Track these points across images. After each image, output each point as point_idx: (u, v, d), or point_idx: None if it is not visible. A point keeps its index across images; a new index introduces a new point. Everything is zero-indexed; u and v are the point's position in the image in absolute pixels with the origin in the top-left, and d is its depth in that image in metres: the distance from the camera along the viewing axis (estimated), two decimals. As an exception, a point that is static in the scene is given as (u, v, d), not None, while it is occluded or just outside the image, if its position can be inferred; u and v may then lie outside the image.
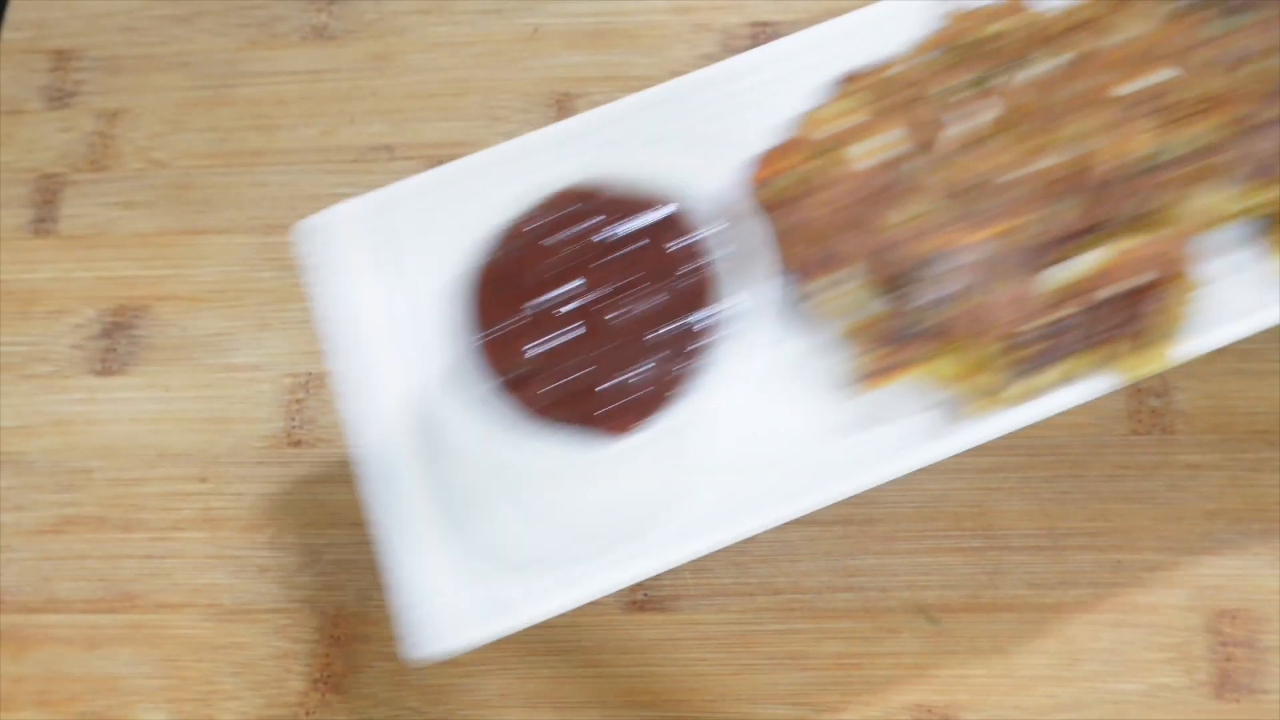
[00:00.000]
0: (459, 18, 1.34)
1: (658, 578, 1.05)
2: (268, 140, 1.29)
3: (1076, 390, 0.91)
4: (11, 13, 1.37)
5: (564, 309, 0.88)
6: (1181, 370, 1.14)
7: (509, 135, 1.28)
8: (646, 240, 0.89)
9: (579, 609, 1.01)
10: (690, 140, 1.01)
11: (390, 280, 0.98)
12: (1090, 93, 0.94)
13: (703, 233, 0.90)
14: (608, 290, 0.88)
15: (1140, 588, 1.08)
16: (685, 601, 1.10)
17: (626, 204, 0.91)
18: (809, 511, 0.90)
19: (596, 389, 0.86)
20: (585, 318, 0.88)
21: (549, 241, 0.90)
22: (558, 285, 0.88)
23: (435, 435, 0.94)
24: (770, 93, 1.01)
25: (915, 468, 0.90)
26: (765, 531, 1.03)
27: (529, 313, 0.88)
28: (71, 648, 1.12)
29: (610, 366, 0.86)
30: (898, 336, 0.90)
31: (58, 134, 1.30)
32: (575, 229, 0.90)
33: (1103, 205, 0.91)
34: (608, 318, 0.87)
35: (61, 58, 1.34)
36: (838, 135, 0.96)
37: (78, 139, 1.30)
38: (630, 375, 0.86)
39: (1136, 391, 1.14)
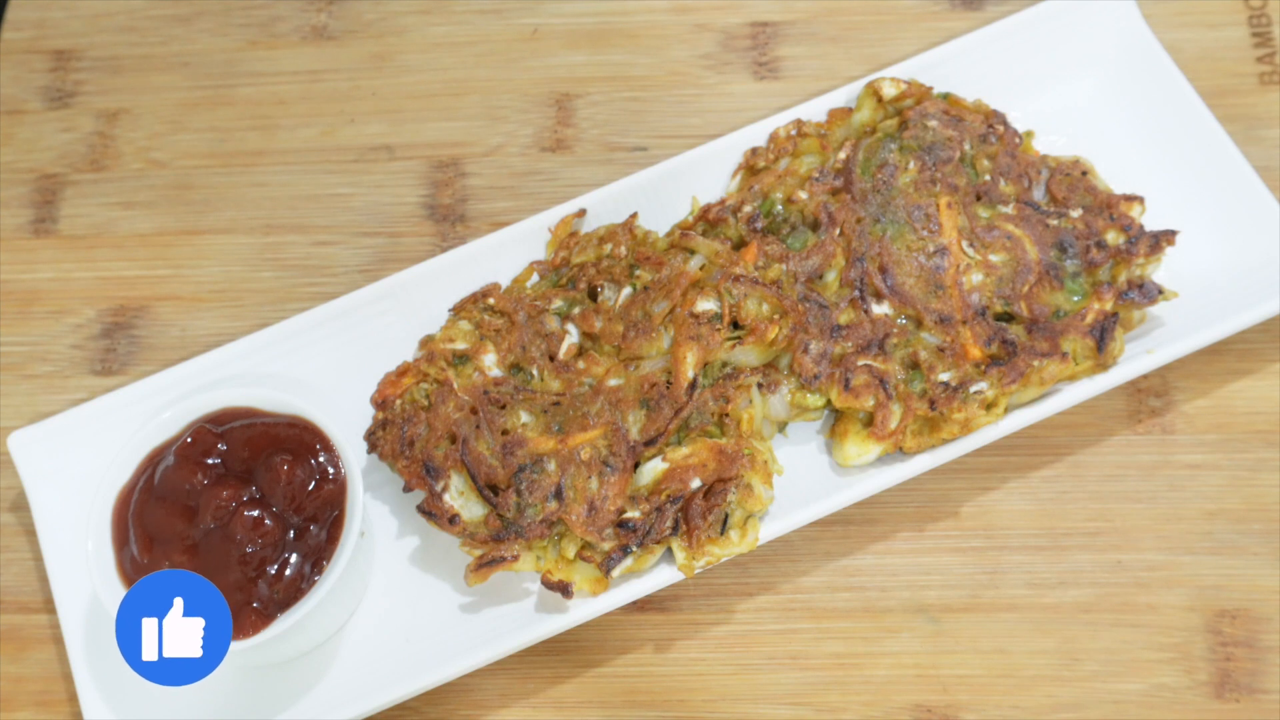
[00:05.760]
0: (459, 18, 1.34)
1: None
2: (268, 140, 1.29)
3: (648, 581, 1.03)
4: (11, 13, 1.37)
5: (199, 529, 0.98)
6: (1181, 370, 1.14)
7: (509, 135, 1.28)
8: (283, 458, 1.00)
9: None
10: (330, 363, 1.12)
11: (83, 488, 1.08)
12: (671, 311, 1.07)
13: (333, 450, 1.01)
14: (237, 508, 0.98)
15: (1140, 588, 1.08)
16: (685, 601, 1.10)
17: (267, 426, 1.02)
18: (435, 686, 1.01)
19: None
20: (215, 539, 0.98)
21: (194, 464, 1.00)
22: (195, 510, 0.99)
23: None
24: (399, 318, 1.13)
25: (522, 646, 1.02)
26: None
27: (166, 538, 0.99)
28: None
29: (235, 581, 0.97)
30: (497, 536, 1.02)
31: (58, 134, 1.30)
32: (219, 450, 1.01)
33: (674, 414, 1.03)
34: (238, 537, 0.97)
35: (61, 58, 1.34)
36: (447, 357, 1.08)
37: (78, 139, 1.30)
38: (256, 586, 0.97)
39: (1136, 391, 1.14)
